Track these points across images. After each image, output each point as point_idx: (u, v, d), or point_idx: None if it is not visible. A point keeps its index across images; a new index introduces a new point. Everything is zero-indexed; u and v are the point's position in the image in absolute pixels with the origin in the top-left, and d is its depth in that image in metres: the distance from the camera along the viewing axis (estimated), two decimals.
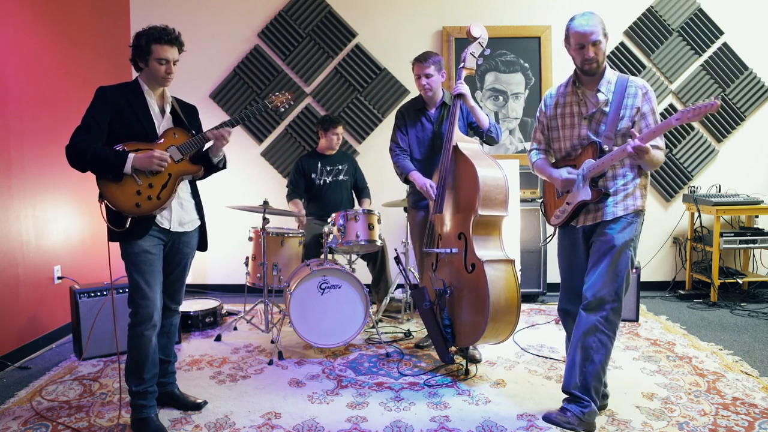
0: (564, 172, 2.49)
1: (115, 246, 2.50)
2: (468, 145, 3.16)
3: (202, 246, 2.74)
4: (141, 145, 2.43)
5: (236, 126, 2.59)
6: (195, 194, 2.67)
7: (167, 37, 2.42)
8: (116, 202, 2.40)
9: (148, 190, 2.42)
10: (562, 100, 2.55)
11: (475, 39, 3.26)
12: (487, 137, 3.34)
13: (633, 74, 3.93)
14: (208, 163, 2.60)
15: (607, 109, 2.41)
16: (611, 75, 2.44)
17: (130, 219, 2.41)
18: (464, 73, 3.25)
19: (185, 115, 2.61)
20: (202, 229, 2.71)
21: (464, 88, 3.19)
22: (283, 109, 2.72)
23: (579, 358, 2.43)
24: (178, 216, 2.55)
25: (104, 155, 2.36)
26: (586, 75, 2.43)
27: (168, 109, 2.56)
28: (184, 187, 2.59)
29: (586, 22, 2.34)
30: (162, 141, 2.47)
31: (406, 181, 3.44)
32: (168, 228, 2.52)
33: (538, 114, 2.67)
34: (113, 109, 2.41)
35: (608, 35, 2.39)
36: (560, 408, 2.52)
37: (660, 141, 2.39)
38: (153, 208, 2.42)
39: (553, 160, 2.66)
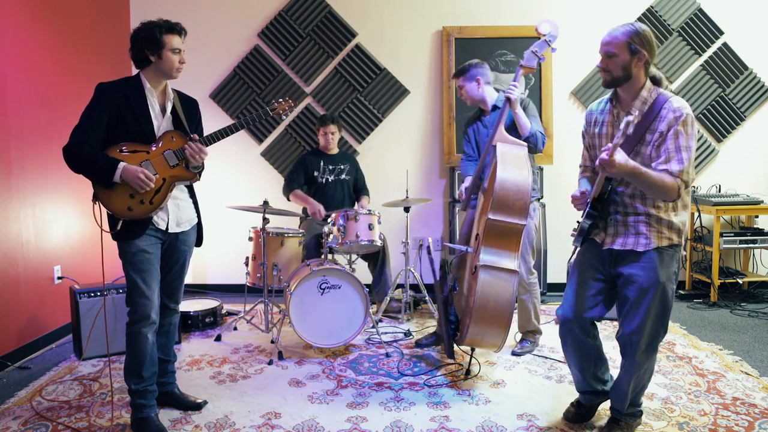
0: (576, 191, 2.35)
1: (112, 245, 2.50)
2: (507, 147, 2.95)
3: (198, 241, 2.74)
4: (138, 147, 2.42)
5: (238, 132, 2.58)
6: (193, 192, 2.67)
7: (177, 27, 2.46)
8: (109, 204, 2.40)
9: (141, 194, 2.41)
10: (600, 118, 2.36)
11: (542, 36, 3.14)
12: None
13: None
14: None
15: (630, 131, 2.19)
16: (648, 94, 2.21)
17: (122, 221, 2.41)
18: (522, 71, 3.16)
19: (186, 110, 2.59)
20: (198, 226, 2.71)
21: (514, 94, 3.12)
22: (285, 117, 2.73)
23: (630, 390, 2.35)
24: (175, 217, 2.55)
25: (94, 161, 2.34)
26: (604, 86, 2.28)
27: (169, 107, 2.53)
28: (180, 187, 2.58)
29: (610, 32, 2.21)
30: (159, 145, 2.46)
31: None
32: (165, 229, 2.52)
33: (582, 131, 2.50)
34: (112, 106, 2.39)
35: (642, 52, 2.16)
36: (611, 419, 2.46)
37: (675, 165, 2.10)
38: (145, 213, 2.42)
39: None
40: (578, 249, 2.46)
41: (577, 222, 2.37)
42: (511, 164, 2.84)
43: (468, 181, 3.37)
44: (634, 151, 2.21)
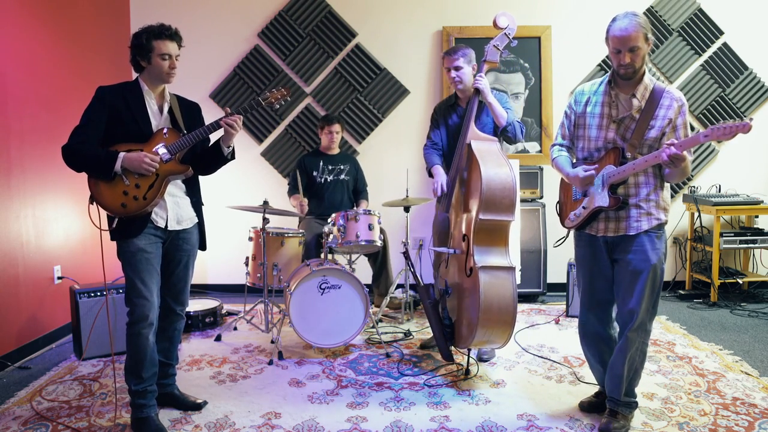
0: (581, 171, 2.40)
1: (113, 245, 2.50)
2: (481, 144, 3.02)
3: (201, 245, 2.73)
4: (133, 146, 2.44)
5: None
6: (192, 192, 2.65)
7: (167, 32, 2.45)
8: (103, 202, 2.41)
9: (134, 190, 2.42)
10: (594, 99, 2.44)
11: (501, 30, 3.14)
12: (504, 136, 3.27)
13: None
14: (218, 155, 2.59)
15: (638, 116, 2.32)
16: (649, 81, 2.34)
17: (117, 219, 2.43)
18: (486, 66, 3.17)
19: (187, 114, 2.61)
20: (200, 228, 2.70)
21: (482, 83, 3.12)
22: (278, 106, 2.71)
23: (625, 372, 2.42)
24: (174, 214, 2.55)
25: (96, 155, 2.38)
26: (622, 79, 2.34)
27: (166, 108, 2.55)
28: (177, 185, 2.58)
29: (625, 25, 2.23)
30: (152, 141, 2.46)
31: (430, 174, 3.43)
32: (164, 227, 2.51)
33: (566, 109, 2.57)
34: (111, 109, 2.42)
35: (651, 39, 2.27)
36: (609, 413, 2.49)
37: (689, 154, 2.29)
38: (139, 208, 2.42)
39: (575, 160, 2.58)
40: (575, 241, 2.61)
41: (583, 207, 2.46)
42: (491, 162, 2.90)
43: (442, 177, 3.27)
44: (641, 140, 2.31)
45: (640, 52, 2.25)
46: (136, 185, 2.42)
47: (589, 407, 2.67)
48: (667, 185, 2.42)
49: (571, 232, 2.64)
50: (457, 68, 3.29)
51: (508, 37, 3.18)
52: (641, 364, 2.46)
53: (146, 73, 2.49)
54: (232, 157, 2.67)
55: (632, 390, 2.48)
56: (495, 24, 3.17)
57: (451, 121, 3.43)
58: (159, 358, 2.61)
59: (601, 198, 2.36)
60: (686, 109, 2.32)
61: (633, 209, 2.35)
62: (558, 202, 2.68)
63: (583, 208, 2.45)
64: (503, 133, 3.27)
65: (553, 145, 2.64)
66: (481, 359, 3.26)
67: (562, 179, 2.62)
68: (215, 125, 2.50)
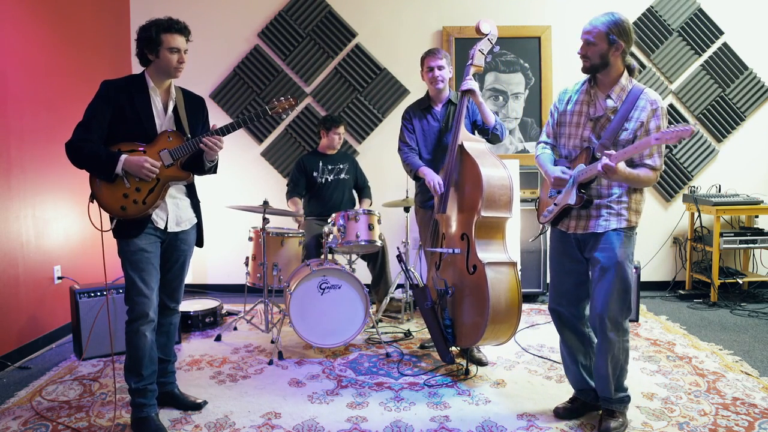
0: (558, 171, 2.45)
1: (113, 245, 2.50)
2: (474, 144, 3.10)
3: (199, 242, 2.73)
4: (134, 146, 2.42)
5: (237, 130, 2.55)
6: (191, 193, 2.65)
7: (177, 26, 2.42)
8: (103, 202, 2.41)
9: (135, 193, 2.41)
10: (575, 98, 2.49)
11: (484, 35, 3.20)
12: (492, 135, 3.29)
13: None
14: (200, 166, 2.57)
15: (613, 116, 2.35)
16: (626, 82, 2.36)
17: (115, 220, 2.43)
18: (472, 70, 3.20)
19: (191, 109, 2.58)
20: (198, 226, 2.70)
21: (473, 85, 3.15)
22: (285, 116, 2.69)
23: (610, 371, 2.43)
24: (174, 216, 2.55)
25: (98, 155, 2.36)
26: (582, 72, 2.39)
27: (171, 106, 2.53)
28: (178, 187, 2.57)
29: (591, 20, 2.32)
30: (155, 144, 2.45)
31: (416, 177, 3.38)
32: (164, 228, 2.51)
33: (552, 108, 2.62)
34: (115, 105, 2.40)
35: (620, 42, 2.27)
36: (606, 412, 2.49)
37: (657, 160, 2.31)
38: (138, 213, 2.42)
39: (557, 158, 2.62)
40: (550, 235, 2.64)
41: (555, 204, 2.49)
42: (488, 162, 2.98)
43: (435, 175, 3.23)
44: (615, 140, 2.34)
45: (595, 48, 2.29)
46: (137, 189, 2.41)
47: (564, 413, 2.62)
48: (642, 191, 2.43)
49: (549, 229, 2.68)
50: (440, 68, 3.33)
51: (491, 42, 3.24)
52: (626, 361, 2.46)
53: (153, 67, 2.46)
54: (215, 171, 2.65)
55: (621, 385, 2.48)
56: (478, 30, 3.23)
57: (427, 125, 3.43)
58: (158, 355, 2.61)
59: (570, 196, 2.41)
60: (661, 113, 2.30)
61: (604, 209, 2.38)
62: (538, 198, 2.71)
63: (555, 204, 2.49)
64: (491, 133, 3.30)
65: (538, 142, 2.70)
66: (480, 363, 3.25)
67: (543, 177, 2.66)
68: (225, 130, 2.48)
